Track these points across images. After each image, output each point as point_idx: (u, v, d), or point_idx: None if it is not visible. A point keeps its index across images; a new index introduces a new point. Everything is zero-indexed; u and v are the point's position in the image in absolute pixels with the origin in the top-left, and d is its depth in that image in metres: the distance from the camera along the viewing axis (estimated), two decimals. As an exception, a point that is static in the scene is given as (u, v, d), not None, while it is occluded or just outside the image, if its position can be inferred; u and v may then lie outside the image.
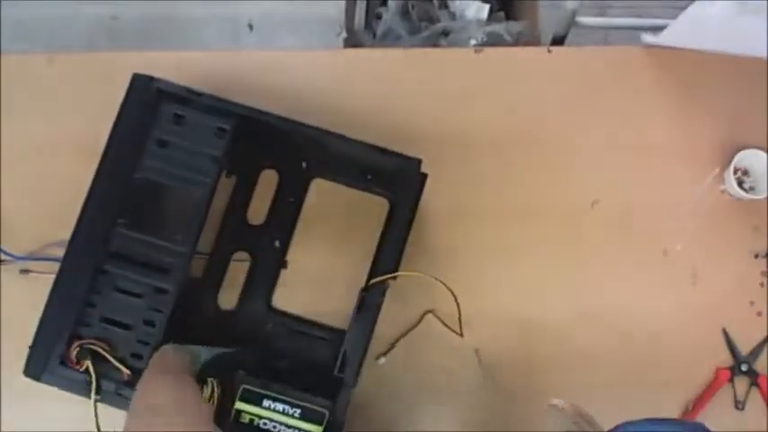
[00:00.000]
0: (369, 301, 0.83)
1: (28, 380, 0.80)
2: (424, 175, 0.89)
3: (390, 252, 0.85)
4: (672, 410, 0.94)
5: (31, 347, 0.81)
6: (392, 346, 0.94)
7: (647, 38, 1.01)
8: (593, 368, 0.95)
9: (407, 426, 0.93)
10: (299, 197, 0.96)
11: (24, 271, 0.95)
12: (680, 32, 0.97)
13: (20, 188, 0.98)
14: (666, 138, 1.01)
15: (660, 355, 0.96)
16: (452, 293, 0.89)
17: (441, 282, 0.89)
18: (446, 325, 0.94)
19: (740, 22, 0.88)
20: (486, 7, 1.36)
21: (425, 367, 0.94)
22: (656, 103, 1.03)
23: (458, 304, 0.91)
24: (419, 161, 0.87)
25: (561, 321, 0.96)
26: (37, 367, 0.80)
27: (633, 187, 1.00)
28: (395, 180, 0.90)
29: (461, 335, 0.94)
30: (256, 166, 0.96)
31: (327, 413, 0.80)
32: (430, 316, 0.95)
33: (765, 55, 0.94)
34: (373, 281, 0.84)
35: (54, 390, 0.80)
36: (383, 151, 0.87)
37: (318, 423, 0.80)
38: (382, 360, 0.94)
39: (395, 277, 0.85)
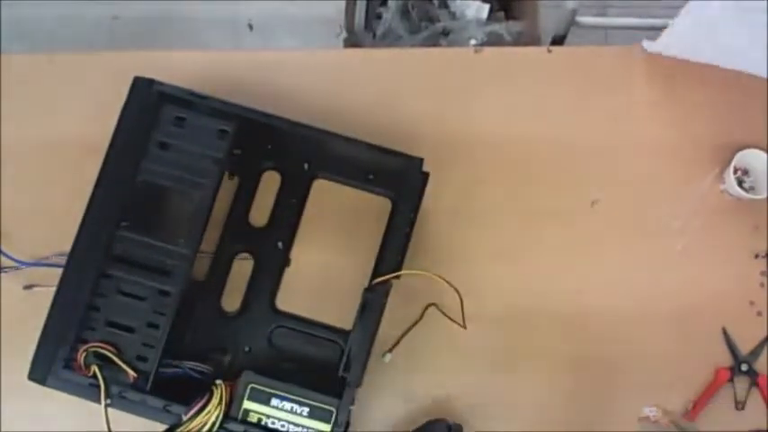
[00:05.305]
0: (372, 301, 0.83)
1: (28, 380, 0.80)
2: (426, 174, 0.89)
3: (393, 251, 0.85)
4: (672, 410, 0.94)
5: (35, 352, 0.80)
6: (397, 342, 0.94)
7: (647, 44, 1.01)
8: (593, 367, 0.95)
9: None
10: (301, 198, 0.96)
11: (28, 287, 0.94)
12: (679, 37, 0.96)
13: (20, 188, 0.98)
14: (666, 137, 1.01)
15: (660, 355, 0.95)
16: (455, 290, 0.89)
17: (444, 279, 0.89)
18: (449, 318, 0.94)
19: (739, 29, 0.88)
20: (486, 7, 1.36)
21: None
22: (655, 102, 1.02)
23: (461, 298, 0.90)
24: (421, 160, 0.87)
25: (560, 321, 0.96)
26: (41, 371, 0.80)
27: (633, 187, 1.00)
28: (397, 179, 0.90)
29: (464, 327, 0.93)
30: (258, 168, 0.96)
31: (335, 411, 0.80)
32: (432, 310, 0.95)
33: (765, 73, 0.95)
34: (376, 281, 0.84)
35: (53, 390, 0.80)
36: (385, 151, 0.88)
37: (326, 421, 0.80)
38: (388, 357, 0.94)
39: (398, 277, 0.85)
